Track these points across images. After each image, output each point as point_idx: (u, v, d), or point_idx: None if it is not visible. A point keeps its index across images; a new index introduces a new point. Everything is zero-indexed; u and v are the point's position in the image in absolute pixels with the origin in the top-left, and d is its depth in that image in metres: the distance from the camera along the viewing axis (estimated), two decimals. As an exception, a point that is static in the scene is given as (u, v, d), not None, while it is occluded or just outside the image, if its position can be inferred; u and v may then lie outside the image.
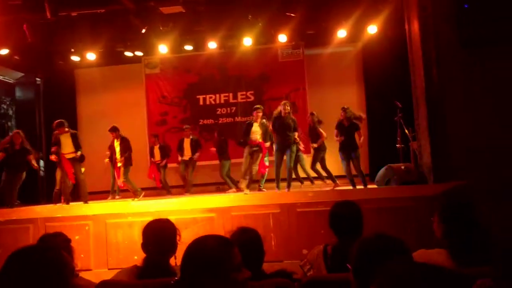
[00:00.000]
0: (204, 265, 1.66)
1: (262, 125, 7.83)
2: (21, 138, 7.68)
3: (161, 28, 9.00)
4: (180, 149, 9.44)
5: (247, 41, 9.41)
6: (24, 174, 7.71)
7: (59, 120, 7.77)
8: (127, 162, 8.22)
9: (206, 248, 1.70)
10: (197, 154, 9.30)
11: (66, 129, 7.73)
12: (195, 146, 9.35)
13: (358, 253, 1.58)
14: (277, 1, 8.32)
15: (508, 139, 5.38)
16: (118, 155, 8.24)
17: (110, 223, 5.64)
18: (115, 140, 8.34)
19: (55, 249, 1.67)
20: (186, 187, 9.32)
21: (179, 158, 9.44)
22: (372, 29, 8.95)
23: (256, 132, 7.76)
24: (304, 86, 10.30)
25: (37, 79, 10.51)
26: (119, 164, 8.15)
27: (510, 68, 5.58)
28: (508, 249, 1.49)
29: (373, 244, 1.59)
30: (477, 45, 5.65)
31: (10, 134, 7.99)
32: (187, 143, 9.37)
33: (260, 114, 7.87)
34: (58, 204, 7.65)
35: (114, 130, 8.34)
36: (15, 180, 7.58)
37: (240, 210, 5.47)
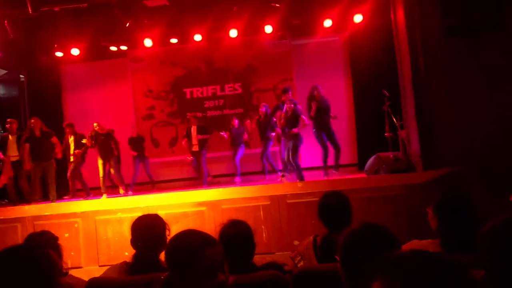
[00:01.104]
0: (182, 260, 1.65)
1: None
2: (40, 123, 7.60)
3: (145, 21, 8.89)
4: (188, 137, 9.41)
5: (233, 33, 9.35)
6: (53, 161, 7.66)
7: (13, 119, 7.82)
8: (79, 158, 8.38)
9: (187, 243, 1.69)
10: (207, 136, 9.31)
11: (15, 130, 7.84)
12: (203, 133, 9.31)
13: (345, 245, 1.58)
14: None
15: (496, 126, 5.43)
16: (72, 151, 8.40)
17: (99, 220, 5.59)
18: (69, 136, 8.48)
19: (42, 248, 1.65)
20: (201, 179, 9.31)
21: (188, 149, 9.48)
22: (358, 18, 8.95)
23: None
24: (292, 76, 10.28)
25: (21, 76, 10.34)
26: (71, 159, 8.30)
27: (495, 56, 5.62)
28: (493, 238, 1.49)
29: (360, 235, 1.58)
30: (462, 33, 5.68)
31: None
32: (194, 131, 9.35)
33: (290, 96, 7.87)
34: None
35: (69, 126, 8.59)
36: (46, 170, 7.49)
37: (231, 203, 5.45)
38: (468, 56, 5.77)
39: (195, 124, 9.40)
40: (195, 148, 9.33)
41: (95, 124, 8.29)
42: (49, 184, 7.51)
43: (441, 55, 5.88)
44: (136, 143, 9.53)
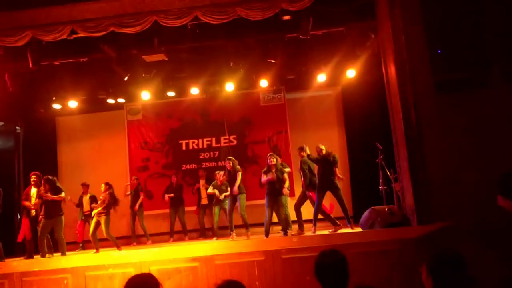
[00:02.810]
0: None
1: (304, 163, 7.88)
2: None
3: (143, 76, 9.09)
4: (198, 193, 9.67)
5: (229, 87, 9.56)
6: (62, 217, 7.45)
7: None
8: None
9: None
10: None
11: None
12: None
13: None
14: (258, 47, 8.52)
15: (487, 178, 5.45)
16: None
17: (89, 276, 5.42)
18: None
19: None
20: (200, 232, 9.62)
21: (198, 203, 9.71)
22: (351, 73, 9.19)
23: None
24: (286, 129, 10.42)
25: (17, 127, 10.41)
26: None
27: (485, 110, 5.75)
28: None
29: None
30: (452, 89, 5.83)
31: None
32: (203, 187, 9.35)
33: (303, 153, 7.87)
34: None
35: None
36: (55, 225, 7.34)
37: (224, 259, 5.34)
38: (459, 111, 5.89)
39: (203, 178, 9.44)
40: (204, 201, 9.43)
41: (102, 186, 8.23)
42: (59, 239, 7.37)
43: (432, 111, 5.99)
44: (136, 195, 9.51)
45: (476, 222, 5.19)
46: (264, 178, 7.63)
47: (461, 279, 2.23)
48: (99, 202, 8.19)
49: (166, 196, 9.61)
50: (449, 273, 2.25)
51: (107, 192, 8.08)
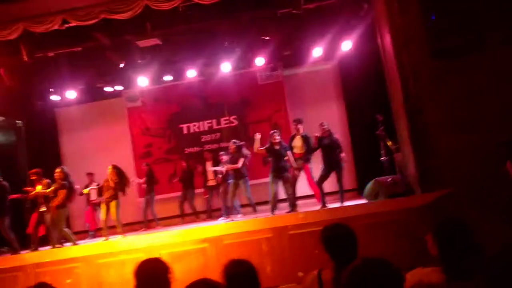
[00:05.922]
0: None
1: (303, 138, 7.81)
2: (64, 174, 7.58)
3: (139, 61, 9.05)
4: (204, 175, 9.66)
5: (226, 67, 9.51)
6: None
7: None
8: None
9: None
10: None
11: None
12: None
13: (347, 283, 1.59)
14: (252, 26, 8.45)
15: (486, 143, 5.46)
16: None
17: (101, 263, 5.52)
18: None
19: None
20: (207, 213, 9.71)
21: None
22: (347, 46, 9.11)
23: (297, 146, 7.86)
24: (285, 106, 10.39)
25: (18, 121, 10.40)
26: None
27: (482, 76, 5.73)
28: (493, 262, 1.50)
29: (361, 272, 1.59)
30: (449, 55, 5.80)
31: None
32: (209, 166, 9.44)
33: (301, 126, 7.86)
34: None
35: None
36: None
37: (233, 238, 5.42)
38: (456, 77, 5.88)
39: (209, 161, 9.48)
40: (212, 183, 9.46)
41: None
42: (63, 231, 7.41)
43: (430, 78, 5.98)
44: (151, 180, 9.60)
45: (477, 188, 5.24)
46: (257, 148, 7.65)
47: (466, 246, 2.26)
48: (104, 187, 8.17)
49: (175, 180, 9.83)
50: (454, 241, 2.28)
51: (114, 173, 7.95)
